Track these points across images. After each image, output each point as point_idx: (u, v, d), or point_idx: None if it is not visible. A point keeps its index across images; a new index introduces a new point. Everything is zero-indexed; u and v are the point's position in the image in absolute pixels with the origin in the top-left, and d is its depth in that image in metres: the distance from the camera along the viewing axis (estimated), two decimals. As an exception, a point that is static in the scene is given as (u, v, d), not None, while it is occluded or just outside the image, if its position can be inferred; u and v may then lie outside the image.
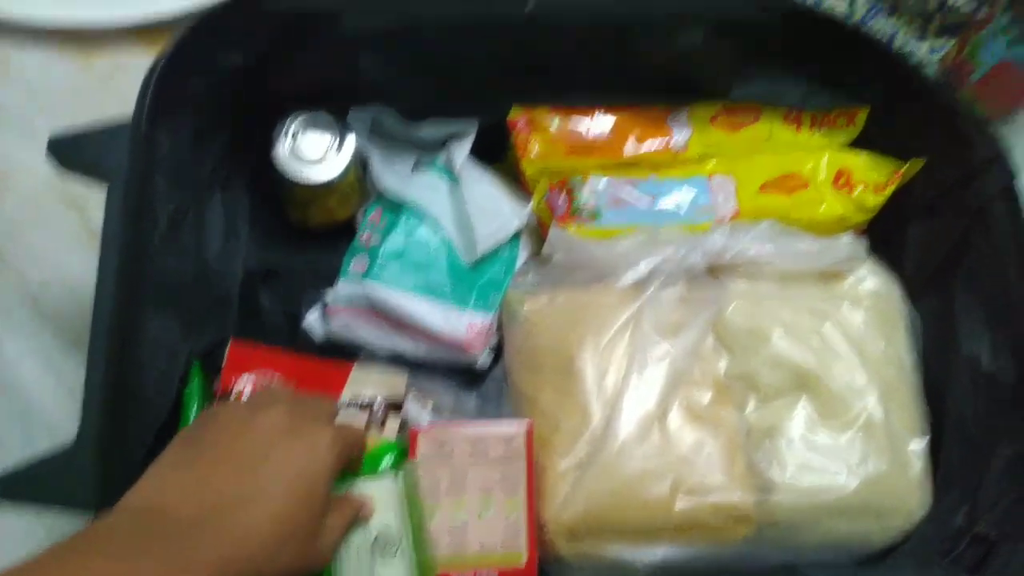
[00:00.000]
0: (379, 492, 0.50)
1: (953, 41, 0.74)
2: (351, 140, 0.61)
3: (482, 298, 0.63)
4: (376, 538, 0.49)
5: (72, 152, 0.54)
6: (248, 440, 0.42)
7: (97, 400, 0.47)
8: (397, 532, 0.49)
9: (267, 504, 0.40)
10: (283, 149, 0.60)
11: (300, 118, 0.61)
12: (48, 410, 0.64)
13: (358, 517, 0.48)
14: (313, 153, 0.61)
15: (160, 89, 0.52)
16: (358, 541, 0.49)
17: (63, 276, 0.67)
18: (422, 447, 0.54)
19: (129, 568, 0.35)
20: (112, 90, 0.74)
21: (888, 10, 0.79)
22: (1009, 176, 0.55)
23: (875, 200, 0.61)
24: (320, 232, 0.67)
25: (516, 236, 0.65)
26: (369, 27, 0.56)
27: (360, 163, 0.64)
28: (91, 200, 0.69)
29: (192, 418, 0.54)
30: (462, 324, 0.62)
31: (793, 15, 0.56)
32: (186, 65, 0.53)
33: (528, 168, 0.63)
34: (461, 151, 0.65)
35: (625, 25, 0.56)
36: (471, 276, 0.63)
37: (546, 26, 0.56)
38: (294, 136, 0.61)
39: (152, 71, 0.52)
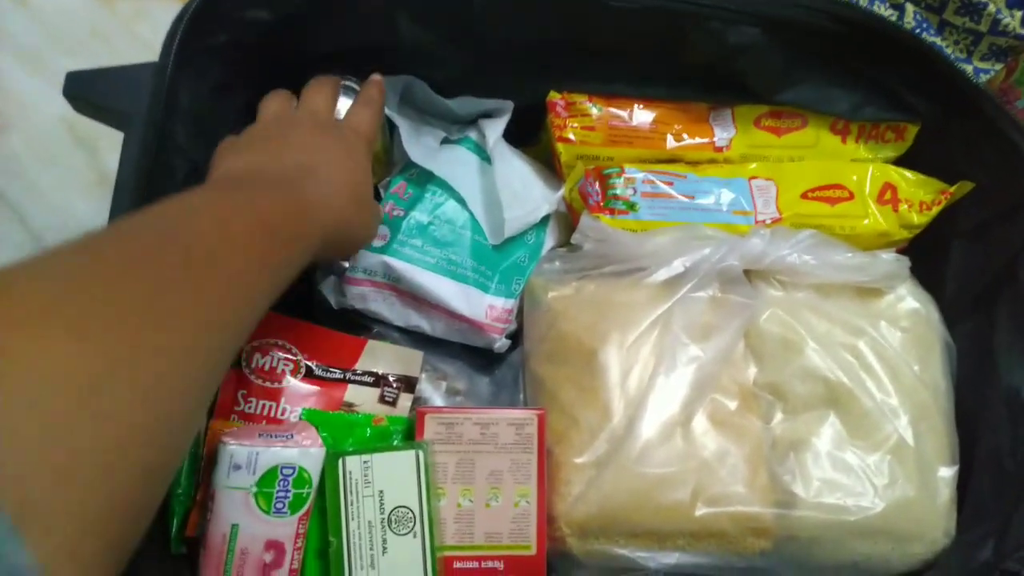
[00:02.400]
0: (396, 468, 0.47)
1: (1001, 65, 0.72)
2: (376, 131, 0.59)
3: (504, 282, 0.61)
4: (390, 514, 0.47)
5: (89, 93, 0.52)
6: (297, 134, 0.48)
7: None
8: (413, 511, 0.47)
9: (339, 173, 0.47)
10: None
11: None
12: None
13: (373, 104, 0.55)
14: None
15: (188, 36, 0.50)
16: (371, 516, 0.46)
17: (68, 220, 0.65)
18: (429, 428, 0.52)
19: (267, 197, 0.40)
20: (133, 35, 0.71)
21: (936, 29, 0.77)
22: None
23: (920, 219, 0.59)
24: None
25: (543, 221, 0.63)
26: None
27: (386, 134, 0.62)
28: (102, 141, 0.66)
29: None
30: (482, 306, 0.59)
31: (854, 21, 0.54)
32: (216, 15, 0.51)
33: (564, 153, 0.61)
34: (495, 130, 0.62)
35: (683, 14, 0.54)
36: (494, 258, 0.61)
37: (602, 5, 0.53)
38: None
39: (181, 17, 0.50)
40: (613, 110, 0.60)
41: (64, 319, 0.26)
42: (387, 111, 0.60)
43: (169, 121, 0.49)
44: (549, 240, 0.63)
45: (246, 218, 0.37)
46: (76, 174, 0.66)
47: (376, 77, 0.57)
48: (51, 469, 0.23)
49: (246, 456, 0.46)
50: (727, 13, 0.54)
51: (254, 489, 0.46)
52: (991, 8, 0.69)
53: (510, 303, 0.60)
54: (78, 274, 0.28)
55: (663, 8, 0.54)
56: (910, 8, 0.79)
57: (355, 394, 0.55)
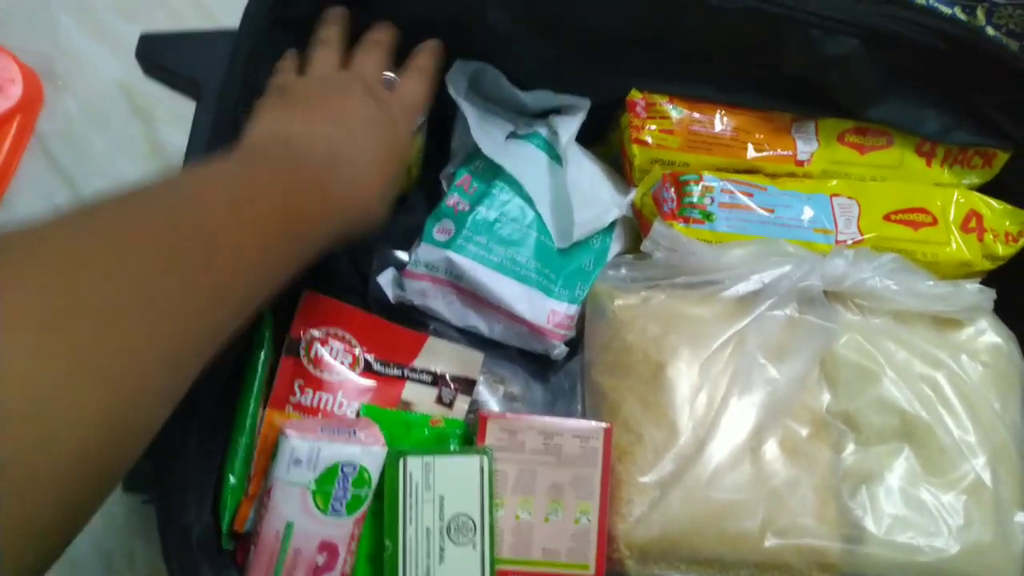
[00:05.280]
0: (459, 473, 0.45)
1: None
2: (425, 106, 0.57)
3: (568, 287, 0.58)
4: (450, 522, 0.45)
5: (162, 57, 0.50)
6: (338, 100, 0.45)
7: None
8: (474, 520, 0.45)
9: (372, 149, 0.45)
10: None
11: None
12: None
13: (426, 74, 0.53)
14: None
15: (270, 7, 0.48)
16: (430, 522, 0.45)
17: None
18: (491, 434, 0.50)
19: (287, 178, 0.39)
20: (196, 3, 0.69)
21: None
22: None
23: (1006, 251, 0.57)
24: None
25: (610, 226, 0.61)
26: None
27: (422, 138, 0.59)
28: (159, 110, 0.64)
29: (260, 365, 0.49)
30: (545, 310, 0.57)
31: (964, 41, 0.52)
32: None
33: (638, 155, 0.58)
34: (569, 127, 0.60)
35: (784, 18, 0.51)
36: (559, 261, 0.59)
37: (700, 2, 0.51)
38: None
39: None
40: (695, 114, 0.58)
41: (38, 318, 0.24)
42: (455, 96, 0.57)
43: (246, 95, 0.47)
44: (615, 246, 0.61)
45: (262, 204, 0.36)
46: (130, 142, 0.64)
47: (432, 43, 0.54)
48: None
49: (307, 450, 0.44)
50: (831, 22, 0.51)
51: (313, 486, 0.44)
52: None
53: (573, 309, 0.58)
54: (71, 259, 0.26)
55: (763, 11, 0.51)
56: (990, 32, 0.77)
57: (413, 392, 0.53)
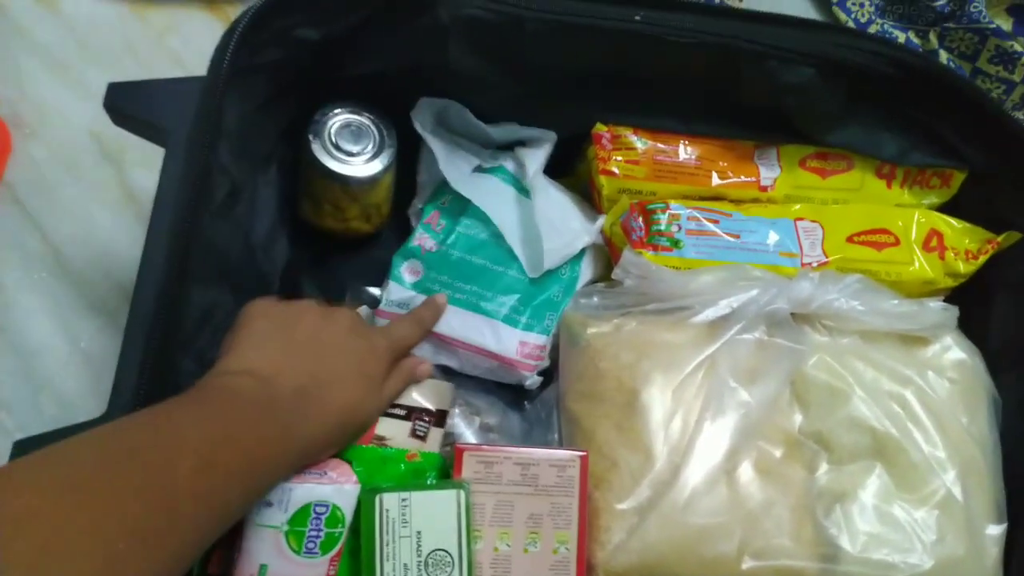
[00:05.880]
0: (436, 508, 0.45)
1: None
2: (391, 148, 0.58)
3: (536, 317, 0.59)
4: (427, 557, 0.44)
5: (131, 105, 0.50)
6: (328, 333, 0.47)
7: (131, 377, 0.42)
8: (452, 555, 0.45)
9: (343, 393, 0.46)
10: (321, 137, 0.57)
11: (344, 113, 0.58)
12: (58, 374, 0.59)
13: (411, 379, 0.53)
14: (350, 148, 0.57)
15: (237, 53, 0.48)
16: (407, 558, 0.44)
17: (90, 235, 0.62)
18: (468, 467, 0.50)
19: (258, 427, 0.40)
20: (165, 48, 0.69)
21: (969, 76, 0.77)
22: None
23: (966, 268, 0.58)
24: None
25: (579, 256, 0.62)
26: (468, 14, 0.53)
27: (394, 175, 0.60)
28: (128, 155, 0.64)
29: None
30: (513, 342, 0.58)
31: (915, 67, 0.53)
32: (266, 32, 0.49)
33: (606, 186, 0.59)
34: (535, 160, 0.61)
35: (740, 51, 0.53)
36: (528, 293, 0.59)
37: (656, 38, 0.52)
38: (334, 128, 0.57)
39: (231, 32, 0.48)
40: (660, 145, 0.59)
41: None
42: (421, 131, 0.58)
43: (214, 139, 0.47)
44: (586, 274, 0.62)
45: (232, 460, 0.38)
46: (100, 188, 0.64)
47: (438, 299, 0.57)
48: None
49: (278, 492, 0.44)
50: (786, 53, 0.53)
51: (285, 528, 0.44)
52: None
53: (543, 339, 0.59)
54: (48, 526, 0.29)
55: (720, 44, 0.53)
56: (943, 55, 0.79)
57: (386, 427, 0.52)
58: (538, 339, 0.59)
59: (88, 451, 0.34)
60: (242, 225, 0.55)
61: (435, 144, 0.60)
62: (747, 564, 0.48)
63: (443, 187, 0.62)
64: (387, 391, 0.51)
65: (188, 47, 0.70)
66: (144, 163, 0.63)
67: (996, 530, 0.52)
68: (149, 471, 0.34)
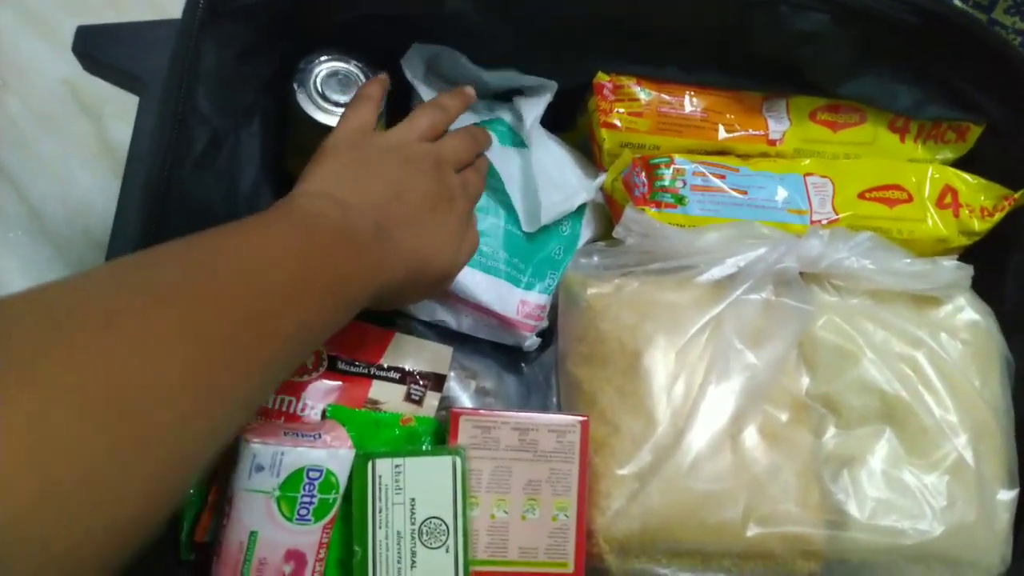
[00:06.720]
0: (431, 475, 0.44)
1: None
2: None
3: (538, 276, 0.57)
4: (422, 525, 0.43)
5: (101, 51, 0.47)
6: (417, 184, 0.45)
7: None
8: (447, 523, 0.43)
9: (418, 239, 0.43)
10: (306, 86, 0.54)
11: (330, 61, 0.54)
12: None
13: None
14: (337, 98, 0.54)
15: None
16: (400, 525, 0.43)
17: (69, 191, 0.60)
18: (464, 432, 0.48)
19: (341, 252, 0.38)
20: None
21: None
22: None
23: (981, 226, 0.56)
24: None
25: (579, 212, 0.59)
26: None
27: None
28: (108, 108, 0.61)
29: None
30: (514, 301, 0.56)
31: (937, 15, 0.50)
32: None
33: (607, 139, 0.57)
34: (534, 109, 0.58)
35: (751, -6, 0.50)
36: (528, 250, 0.57)
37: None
38: (320, 77, 0.54)
39: (208, -29, 0.45)
40: (664, 96, 0.56)
41: (98, 393, 0.24)
42: (412, 80, 0.55)
43: (191, 85, 0.44)
44: (586, 232, 0.60)
45: (324, 276, 0.36)
46: (79, 143, 0.61)
47: (469, 91, 0.53)
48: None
49: (270, 456, 0.42)
50: (802, -4, 0.50)
51: (277, 493, 0.42)
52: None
53: (543, 299, 0.57)
54: (140, 331, 0.27)
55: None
56: (958, 4, 0.76)
57: (380, 391, 0.51)
58: (539, 299, 0.56)
59: (175, 257, 0.32)
60: (224, 177, 0.52)
61: (427, 93, 0.57)
62: (752, 531, 0.47)
63: (437, 141, 0.59)
64: (467, 246, 0.48)
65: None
66: (124, 116, 0.61)
67: (1008, 495, 0.51)
68: (241, 277, 0.32)
